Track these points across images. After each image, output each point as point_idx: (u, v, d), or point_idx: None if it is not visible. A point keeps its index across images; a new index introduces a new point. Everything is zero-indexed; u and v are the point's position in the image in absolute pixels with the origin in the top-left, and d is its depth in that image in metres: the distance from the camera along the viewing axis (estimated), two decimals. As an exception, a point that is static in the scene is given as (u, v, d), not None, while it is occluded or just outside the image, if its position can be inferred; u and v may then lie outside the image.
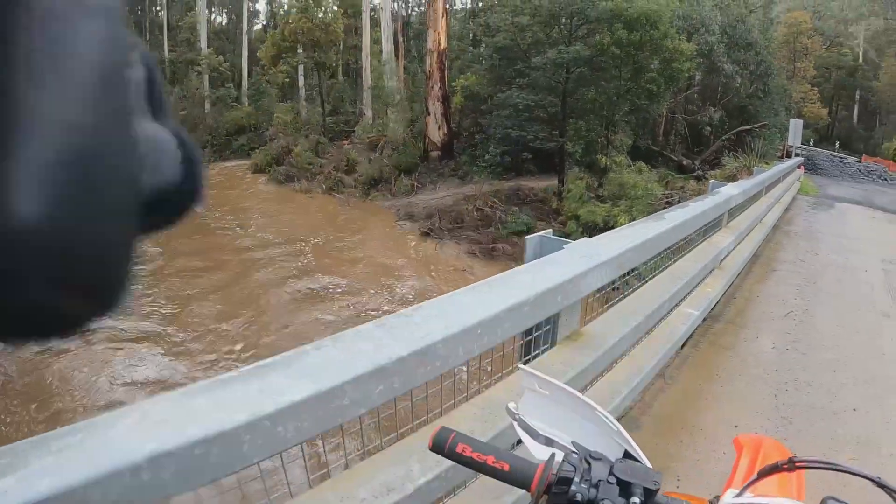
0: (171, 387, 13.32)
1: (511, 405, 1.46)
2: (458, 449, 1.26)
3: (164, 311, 16.18)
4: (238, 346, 14.22)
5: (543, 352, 3.72)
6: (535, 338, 3.64)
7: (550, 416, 1.42)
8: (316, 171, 32.36)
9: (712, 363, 5.82)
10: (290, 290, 18.26)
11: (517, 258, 19.32)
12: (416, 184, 28.24)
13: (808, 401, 5.18)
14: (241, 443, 1.95)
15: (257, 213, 27.82)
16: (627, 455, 1.26)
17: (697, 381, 5.37)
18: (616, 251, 4.14)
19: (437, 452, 1.29)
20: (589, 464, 1.18)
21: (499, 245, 20.46)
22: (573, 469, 1.16)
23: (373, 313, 16.35)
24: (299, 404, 2.09)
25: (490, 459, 1.22)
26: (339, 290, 18.29)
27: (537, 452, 1.35)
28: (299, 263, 20.44)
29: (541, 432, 1.39)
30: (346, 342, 2.49)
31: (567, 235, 17.65)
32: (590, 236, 4.87)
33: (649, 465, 1.23)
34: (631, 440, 1.27)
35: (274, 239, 23.32)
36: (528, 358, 3.61)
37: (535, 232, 15.17)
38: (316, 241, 22.95)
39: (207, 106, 45.17)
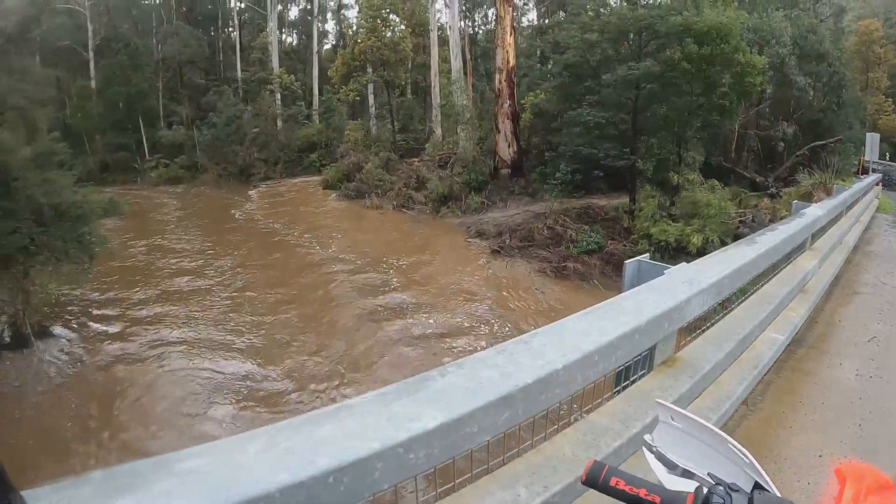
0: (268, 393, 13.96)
1: (647, 437, 1.52)
2: (612, 482, 1.30)
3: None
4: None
5: (640, 377, 3.79)
6: (632, 364, 3.65)
7: (686, 448, 1.48)
8: (386, 188, 32.84)
9: (795, 390, 5.62)
10: (366, 306, 18.77)
11: (587, 277, 19.42)
12: (485, 201, 28.41)
13: (895, 432, 4.92)
14: (374, 470, 2.03)
15: (333, 231, 28.51)
16: (758, 486, 1.32)
17: (780, 407, 5.17)
18: (715, 277, 4.28)
19: (591, 486, 1.34)
20: (730, 496, 1.24)
21: (569, 264, 20.36)
22: (721, 501, 1.22)
23: (456, 334, 16.71)
24: (431, 432, 2.18)
25: (642, 492, 1.26)
26: (416, 307, 18.64)
27: (671, 483, 1.40)
28: (376, 280, 20.98)
29: (678, 464, 1.44)
30: (469, 368, 2.60)
31: (640, 255, 17.61)
32: (662, 256, 5.02)
33: (779, 495, 1.29)
34: (762, 471, 1.33)
35: (351, 257, 23.86)
36: (625, 384, 3.67)
37: (605, 250, 15.40)
38: (392, 258, 23.45)
39: (279, 123, 46.12)
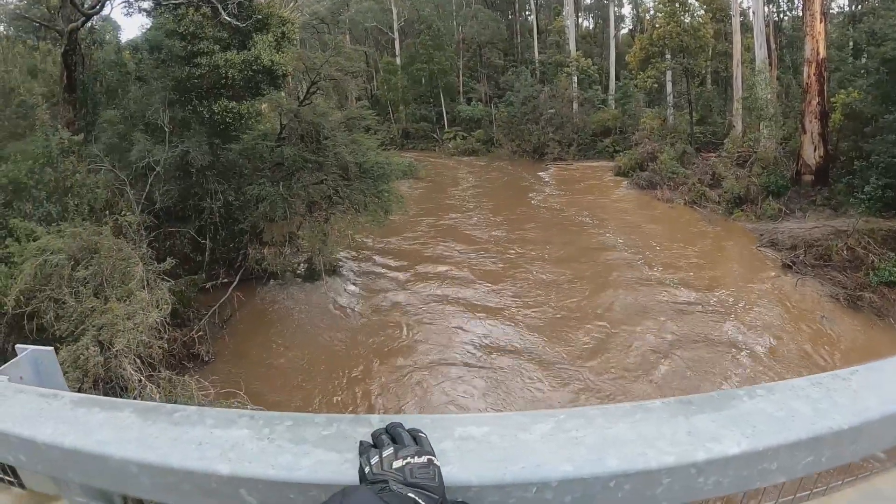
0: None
1: None
2: None
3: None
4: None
5: None
6: None
7: None
8: (679, 181, 32.31)
9: None
10: (649, 297, 19.46)
11: (885, 314, 18.03)
12: (783, 208, 26.95)
13: None
14: (658, 485, 1.93)
15: (621, 220, 29.12)
16: None
17: None
18: None
19: None
20: None
21: (865, 294, 18.85)
22: None
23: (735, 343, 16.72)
24: (730, 459, 1.97)
25: None
26: (699, 308, 18.81)
27: None
28: (652, 275, 21.32)
29: None
30: (780, 395, 2.26)
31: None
32: None
33: None
34: None
35: (635, 249, 24.37)
36: None
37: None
38: (675, 255, 23.70)
39: (575, 106, 46.56)
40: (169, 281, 14.40)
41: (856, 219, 23.02)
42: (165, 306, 13.35)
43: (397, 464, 1.44)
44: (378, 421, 1.82)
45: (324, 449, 1.76)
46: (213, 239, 18.50)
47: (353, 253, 22.72)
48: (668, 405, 2.10)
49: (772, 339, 16.86)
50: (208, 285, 17.86)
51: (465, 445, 1.78)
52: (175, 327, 14.61)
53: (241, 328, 17.17)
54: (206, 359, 15.20)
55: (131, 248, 14.11)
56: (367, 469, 1.46)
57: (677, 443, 1.92)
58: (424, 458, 1.47)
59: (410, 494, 1.33)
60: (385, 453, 1.48)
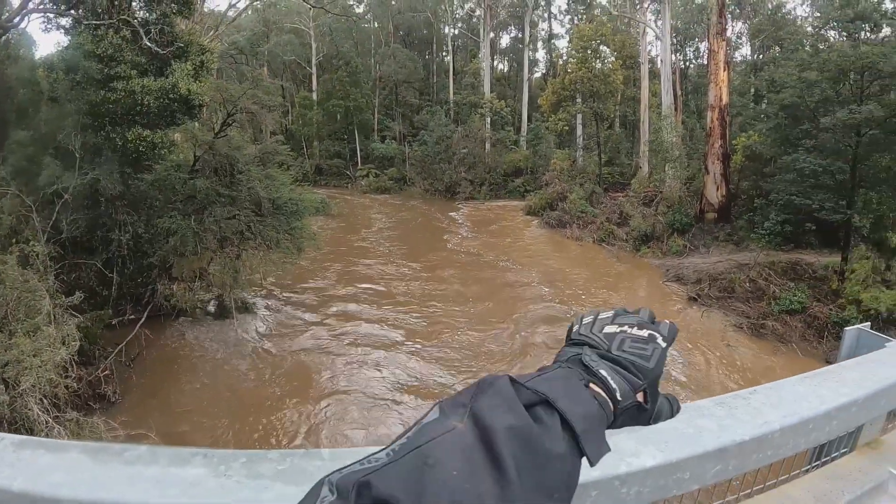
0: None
1: None
2: None
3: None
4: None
5: (841, 455, 3.53)
6: (835, 440, 3.36)
7: None
8: (588, 220, 33.13)
9: None
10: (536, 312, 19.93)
11: (786, 340, 18.69)
12: (688, 245, 27.87)
13: None
14: (587, 497, 2.08)
15: (531, 257, 29.22)
16: None
17: None
18: None
19: None
20: None
21: (768, 322, 19.60)
22: None
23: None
24: (648, 471, 2.24)
25: None
26: None
27: None
28: (561, 311, 21.22)
29: None
30: (688, 415, 2.58)
31: (846, 322, 16.70)
32: (871, 326, 4.67)
33: None
34: None
35: (543, 284, 24.55)
36: (825, 460, 3.43)
37: (808, 312, 14.77)
38: (582, 291, 23.85)
39: (488, 146, 47.24)
40: (77, 316, 13.66)
41: (757, 252, 24.12)
42: (73, 343, 12.58)
43: (609, 329, 1.12)
44: (328, 455, 1.98)
45: (282, 483, 1.87)
46: (121, 273, 17.71)
47: (265, 291, 22.24)
48: None
49: (683, 367, 17.20)
50: (115, 321, 16.97)
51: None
52: (81, 365, 13.71)
53: (150, 367, 16.37)
54: (114, 399, 14.29)
55: (38, 279, 13.45)
56: (575, 328, 1.16)
57: (603, 460, 2.04)
58: (646, 332, 1.12)
59: (602, 372, 1.02)
60: (602, 315, 1.18)
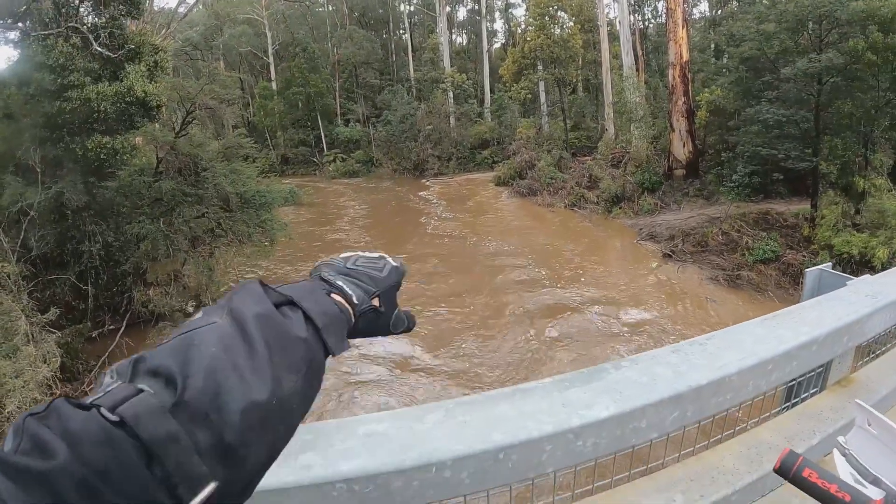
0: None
1: (841, 439, 1.41)
2: (804, 473, 1.28)
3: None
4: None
5: (812, 395, 3.62)
6: (804, 380, 3.45)
7: (880, 455, 1.42)
8: (558, 186, 33.15)
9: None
10: (538, 301, 19.40)
11: (762, 288, 18.87)
12: (659, 203, 28.04)
13: None
14: (542, 452, 2.14)
15: (505, 227, 29.39)
16: None
17: None
18: None
19: (783, 475, 1.32)
20: None
21: (743, 273, 19.80)
22: None
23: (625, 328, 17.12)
24: (603, 422, 2.25)
25: (833, 488, 1.24)
26: (584, 303, 19.01)
27: (858, 489, 1.32)
28: (541, 276, 21.48)
29: (870, 470, 1.38)
30: (644, 364, 2.63)
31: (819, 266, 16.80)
32: (844, 269, 4.70)
33: None
34: None
35: (521, 253, 24.61)
36: (795, 401, 3.51)
37: (783, 260, 14.90)
38: (559, 257, 23.92)
39: (452, 121, 47.15)
40: (55, 333, 13.46)
41: (727, 205, 24.28)
42: (54, 360, 12.49)
43: (345, 254, 1.28)
44: None
45: None
46: (96, 284, 17.34)
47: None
48: (544, 385, 2.41)
49: (666, 321, 17.31)
50: (95, 334, 16.63)
51: (369, 441, 2.00)
52: (65, 382, 13.59)
53: None
54: None
55: (11, 300, 13.24)
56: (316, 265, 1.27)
57: (554, 414, 2.21)
58: (377, 254, 1.29)
59: (339, 282, 1.13)
60: (343, 255, 1.29)
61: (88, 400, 0.70)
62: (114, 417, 0.67)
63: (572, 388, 2.40)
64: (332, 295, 1.09)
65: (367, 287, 1.16)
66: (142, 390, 0.72)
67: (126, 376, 0.75)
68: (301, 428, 1.74)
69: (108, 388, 0.73)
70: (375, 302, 1.17)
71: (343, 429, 2.06)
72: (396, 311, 1.25)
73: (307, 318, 0.94)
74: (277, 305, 0.93)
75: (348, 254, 1.27)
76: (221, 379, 0.76)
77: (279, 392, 0.82)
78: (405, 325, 1.27)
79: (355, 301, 1.11)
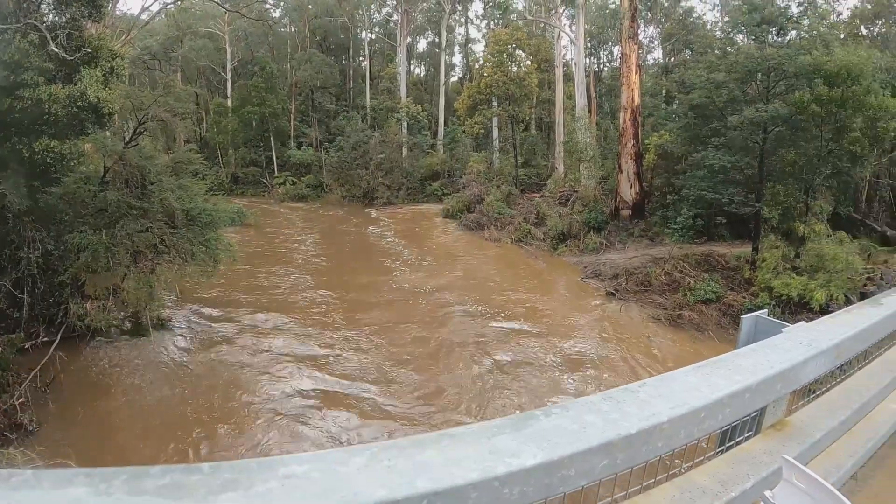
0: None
1: (768, 493, 1.42)
2: None
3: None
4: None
5: (747, 439, 3.64)
6: (738, 424, 3.47)
7: None
8: (506, 221, 33.31)
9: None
10: (484, 329, 19.24)
11: (703, 328, 19.10)
12: (605, 242, 28.29)
13: None
14: (467, 499, 2.10)
15: (450, 260, 28.96)
16: None
17: (894, 486, 4.52)
18: (835, 339, 4.06)
19: None
20: None
21: (685, 312, 19.97)
22: None
23: (555, 362, 16.91)
24: (530, 470, 2.24)
25: None
26: (528, 334, 19.00)
27: None
28: (484, 311, 21.20)
29: None
30: (575, 411, 2.63)
31: (759, 308, 17.14)
32: (783, 311, 4.85)
33: None
34: None
35: (466, 286, 24.31)
36: (730, 444, 3.54)
37: (724, 301, 15.16)
38: (503, 292, 23.66)
39: (405, 151, 47.34)
40: None
41: (671, 246, 24.69)
42: None
43: None
44: (208, 469, 1.93)
45: (162, 498, 1.83)
46: (32, 293, 16.74)
47: (185, 309, 21.23)
48: (472, 431, 2.42)
49: (603, 360, 17.31)
50: (28, 345, 16.02)
51: (290, 483, 1.95)
52: None
53: (67, 391, 15.37)
54: (31, 428, 13.53)
55: None
56: None
57: (481, 461, 2.20)
58: None
59: None
60: None
61: None
62: None
63: (501, 434, 2.41)
64: None
65: None
66: None
67: None
68: (223, 465, 1.81)
69: None
70: None
71: (264, 468, 2.02)
72: None
73: None
74: None
75: None
76: None
77: None
78: None
79: None
